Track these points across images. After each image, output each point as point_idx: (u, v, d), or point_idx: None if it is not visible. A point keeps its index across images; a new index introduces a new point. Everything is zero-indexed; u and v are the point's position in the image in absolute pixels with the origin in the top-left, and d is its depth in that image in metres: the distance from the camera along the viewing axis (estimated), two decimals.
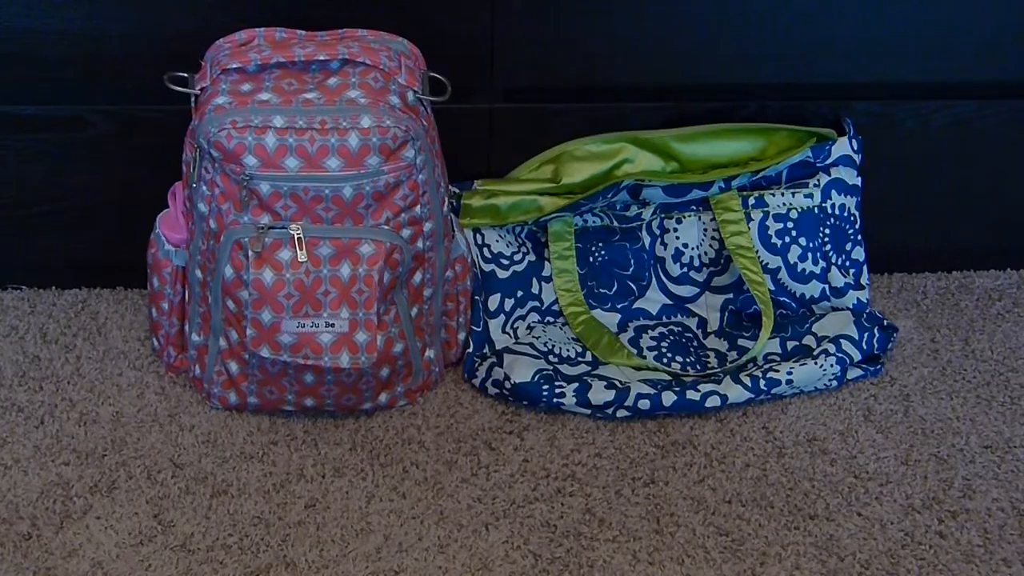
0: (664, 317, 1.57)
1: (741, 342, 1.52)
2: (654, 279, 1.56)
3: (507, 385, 1.43)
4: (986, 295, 1.65)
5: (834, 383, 1.47)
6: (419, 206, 1.34)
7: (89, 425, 1.41)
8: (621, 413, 1.42)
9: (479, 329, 1.50)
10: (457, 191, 1.49)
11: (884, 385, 1.49)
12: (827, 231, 1.55)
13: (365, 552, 1.27)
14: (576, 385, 1.42)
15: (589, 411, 1.42)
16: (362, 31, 1.40)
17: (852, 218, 1.56)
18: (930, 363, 1.53)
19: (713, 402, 1.42)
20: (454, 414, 1.44)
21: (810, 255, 1.54)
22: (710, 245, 1.55)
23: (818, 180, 1.54)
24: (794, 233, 1.53)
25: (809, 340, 1.49)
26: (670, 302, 1.57)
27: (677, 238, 1.55)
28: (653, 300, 1.57)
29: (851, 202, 1.56)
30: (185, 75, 1.37)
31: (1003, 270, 1.70)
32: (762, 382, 1.43)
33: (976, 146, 1.60)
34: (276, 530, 1.29)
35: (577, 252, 1.54)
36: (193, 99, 1.36)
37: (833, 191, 1.54)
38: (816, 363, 1.44)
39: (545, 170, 1.53)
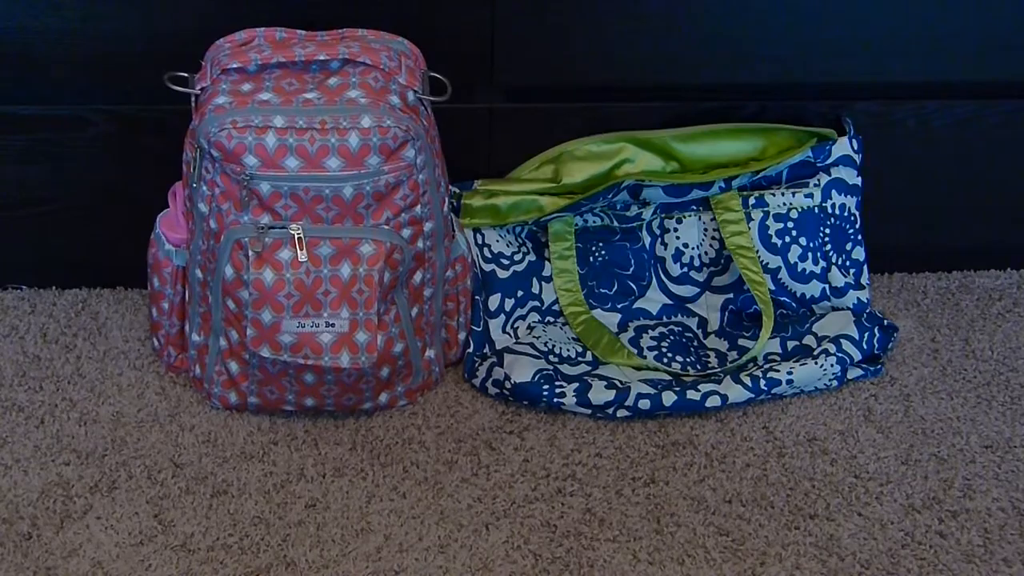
0: (664, 317, 1.57)
1: (741, 342, 1.52)
2: (654, 279, 1.56)
3: (507, 385, 1.42)
4: (986, 295, 1.65)
5: (834, 383, 1.47)
6: (419, 206, 1.34)
7: (89, 425, 1.41)
8: (621, 413, 1.41)
9: (479, 329, 1.50)
10: (457, 191, 1.49)
11: (884, 385, 1.49)
12: (827, 231, 1.55)
13: (365, 552, 1.27)
14: (576, 385, 1.42)
15: (589, 411, 1.42)
16: (362, 31, 1.40)
17: (852, 218, 1.56)
18: (930, 363, 1.53)
19: (713, 402, 1.42)
20: (454, 414, 1.44)
21: (810, 255, 1.54)
22: (710, 245, 1.55)
23: (818, 180, 1.54)
24: (794, 233, 1.53)
25: (809, 340, 1.49)
26: (670, 302, 1.57)
27: (677, 238, 1.55)
28: (653, 300, 1.56)
29: (851, 202, 1.56)
30: (185, 75, 1.37)
31: (1003, 270, 1.70)
32: (762, 382, 1.43)
33: (976, 146, 1.60)
34: (276, 530, 1.29)
35: (577, 252, 1.54)
36: (193, 99, 1.36)
37: (833, 191, 1.54)
38: (816, 363, 1.44)
39: (545, 170, 1.53)
